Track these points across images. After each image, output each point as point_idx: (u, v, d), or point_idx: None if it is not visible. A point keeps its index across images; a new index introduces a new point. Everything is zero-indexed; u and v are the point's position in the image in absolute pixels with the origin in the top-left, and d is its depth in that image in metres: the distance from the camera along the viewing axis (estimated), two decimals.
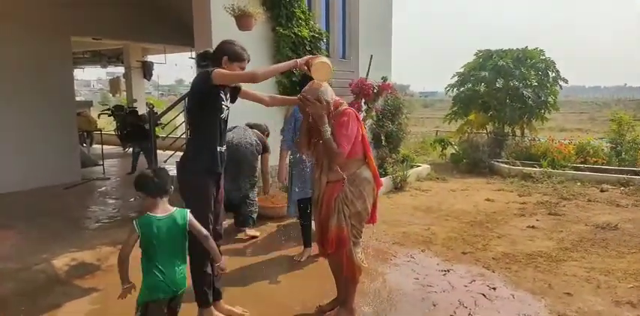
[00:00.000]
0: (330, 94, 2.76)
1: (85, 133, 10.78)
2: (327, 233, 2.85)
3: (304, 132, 2.93)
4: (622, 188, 7.24)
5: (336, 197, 2.81)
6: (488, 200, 6.52)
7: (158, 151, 6.26)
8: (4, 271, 3.72)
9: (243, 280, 3.70)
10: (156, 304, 2.34)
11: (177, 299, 2.45)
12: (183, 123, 7.41)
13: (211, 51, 2.78)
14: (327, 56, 6.80)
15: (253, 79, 2.63)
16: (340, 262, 2.92)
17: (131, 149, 8.65)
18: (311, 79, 2.76)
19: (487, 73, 10.00)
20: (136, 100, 11.74)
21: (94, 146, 11.36)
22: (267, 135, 4.95)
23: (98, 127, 11.28)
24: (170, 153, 7.94)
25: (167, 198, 2.42)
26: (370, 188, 2.88)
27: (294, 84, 5.87)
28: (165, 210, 2.40)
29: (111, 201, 6.25)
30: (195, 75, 2.84)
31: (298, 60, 2.75)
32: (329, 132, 2.71)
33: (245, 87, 3.00)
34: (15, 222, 5.12)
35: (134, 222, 2.33)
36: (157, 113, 6.64)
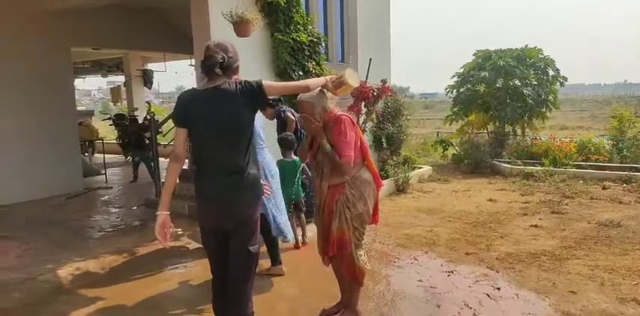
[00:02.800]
0: (326, 101, 2.83)
1: (87, 143, 10.82)
2: (330, 236, 2.86)
3: (308, 142, 2.99)
4: (624, 185, 7.22)
5: (337, 200, 2.83)
6: (490, 200, 6.51)
7: (160, 159, 6.28)
8: (9, 282, 3.74)
9: None
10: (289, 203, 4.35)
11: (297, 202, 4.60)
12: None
13: (221, 56, 2.30)
14: (326, 60, 6.82)
15: (308, 89, 2.63)
16: (342, 265, 2.93)
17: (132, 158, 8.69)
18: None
19: (487, 73, 10.02)
20: (137, 108, 11.79)
21: (96, 155, 11.40)
22: None
23: (100, 136, 11.33)
24: None
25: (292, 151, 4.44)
26: (371, 189, 2.90)
27: None
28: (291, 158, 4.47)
29: (114, 210, 6.27)
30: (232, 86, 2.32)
31: (328, 80, 2.70)
32: (328, 146, 2.78)
33: None
34: (18, 232, 5.14)
35: (279, 161, 4.31)
36: (158, 121, 6.66)
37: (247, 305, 2.39)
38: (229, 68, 2.34)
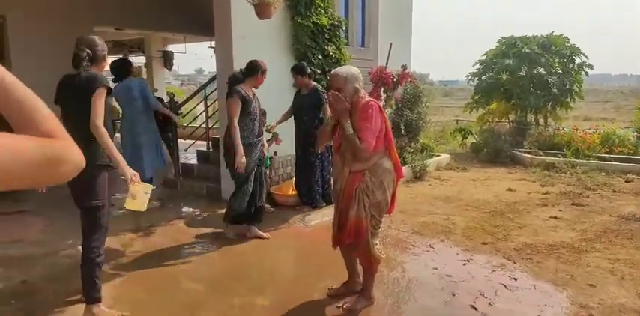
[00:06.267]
0: (359, 81, 2.81)
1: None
2: (347, 223, 2.85)
3: (332, 124, 2.93)
4: None
5: (357, 187, 2.80)
6: (509, 190, 6.43)
7: (179, 140, 6.33)
8: (33, 256, 3.84)
9: (259, 267, 3.75)
10: None
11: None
12: (204, 113, 7.44)
13: (86, 53, 3.05)
14: (347, 44, 6.74)
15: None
16: (357, 252, 2.93)
17: None
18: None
19: (511, 61, 9.80)
20: (156, 90, 11.85)
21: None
22: None
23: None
24: (190, 142, 8.03)
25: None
26: (390, 178, 2.87)
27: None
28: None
29: None
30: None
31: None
32: (350, 129, 2.72)
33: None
34: (42, 208, 5.25)
35: None
36: (177, 102, 6.69)
37: None
38: (96, 59, 3.04)
